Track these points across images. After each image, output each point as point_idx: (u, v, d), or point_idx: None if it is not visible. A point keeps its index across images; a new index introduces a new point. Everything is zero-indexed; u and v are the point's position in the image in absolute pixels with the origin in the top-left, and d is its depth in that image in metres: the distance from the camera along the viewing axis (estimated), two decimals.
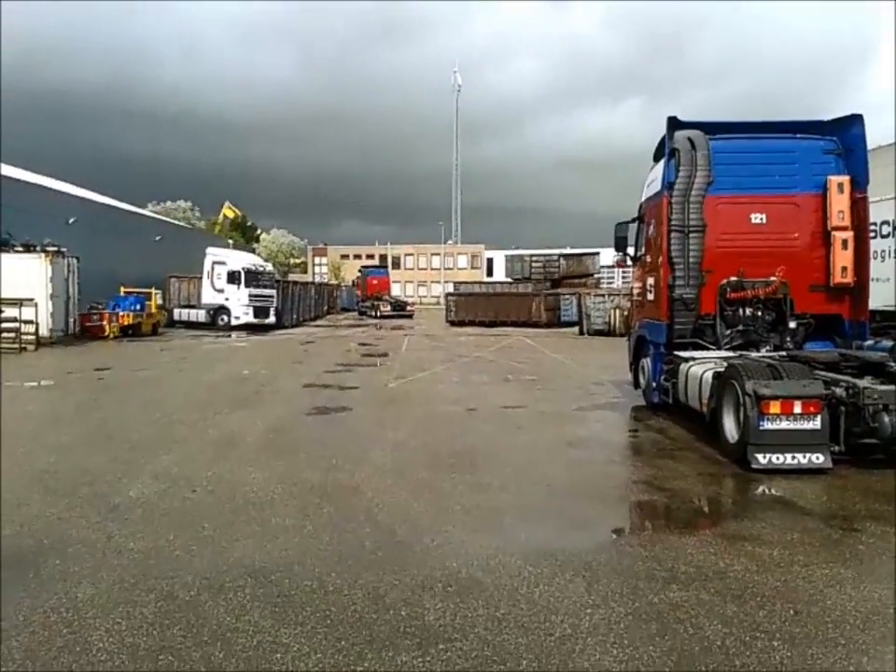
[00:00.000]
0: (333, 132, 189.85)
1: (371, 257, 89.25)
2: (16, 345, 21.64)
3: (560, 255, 52.30)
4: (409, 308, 52.26)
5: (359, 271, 60.81)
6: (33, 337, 22.41)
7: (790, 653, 3.65)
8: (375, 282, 55.91)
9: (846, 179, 9.73)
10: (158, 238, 44.76)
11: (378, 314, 49.12)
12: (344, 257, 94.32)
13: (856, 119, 9.89)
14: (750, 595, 4.37)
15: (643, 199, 11.63)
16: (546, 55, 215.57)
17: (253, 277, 35.63)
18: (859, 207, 9.80)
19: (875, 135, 10.35)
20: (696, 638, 3.82)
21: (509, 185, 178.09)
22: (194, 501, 6.41)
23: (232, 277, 35.01)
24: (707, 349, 9.97)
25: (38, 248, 24.80)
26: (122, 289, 32.06)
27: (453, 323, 40.31)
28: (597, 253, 50.55)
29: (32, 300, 22.94)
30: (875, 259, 12.00)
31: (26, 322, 22.36)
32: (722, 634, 3.85)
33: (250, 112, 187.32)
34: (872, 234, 11.61)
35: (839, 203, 9.70)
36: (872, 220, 10.80)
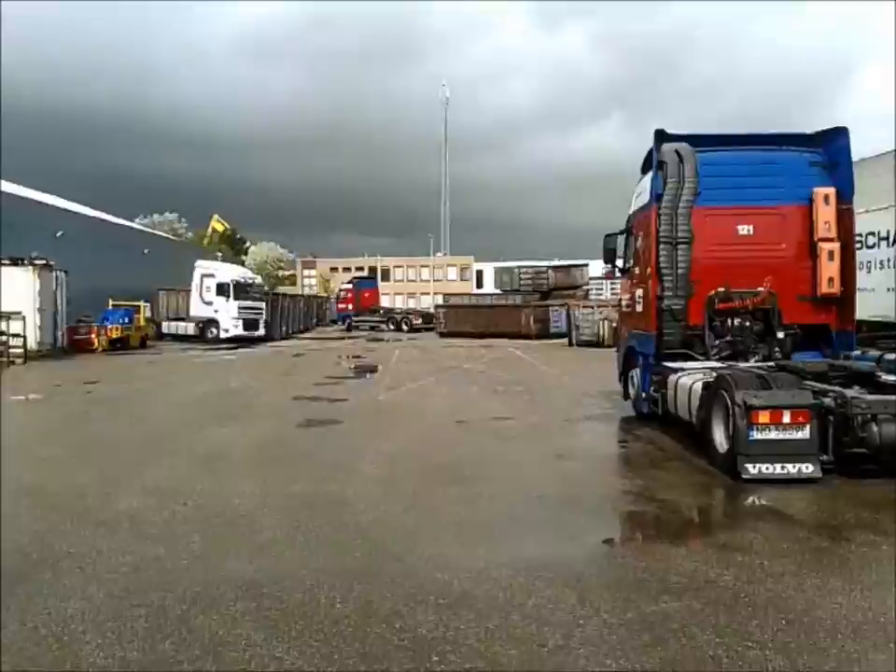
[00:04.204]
0: (328, 145, 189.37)
1: (360, 269, 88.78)
2: (3, 359, 21.51)
3: (549, 266, 52.21)
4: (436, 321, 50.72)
5: (349, 282, 60.15)
6: (20, 350, 22.31)
7: (782, 662, 3.66)
8: (367, 294, 55.68)
9: (831, 191, 9.82)
10: (146, 251, 44.69)
11: (409, 327, 47.96)
12: (334, 269, 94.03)
13: (841, 132, 10.00)
14: (742, 604, 4.38)
15: (631, 211, 11.69)
16: (537, 74, 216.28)
17: (242, 290, 35.57)
18: (844, 218, 9.89)
19: (858, 148, 10.47)
20: (689, 648, 3.82)
21: (499, 198, 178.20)
22: (184, 514, 6.37)
23: (221, 290, 34.92)
24: (696, 360, 10.01)
25: (26, 262, 24.70)
26: (111, 302, 31.99)
27: (443, 335, 40.29)
28: (586, 265, 50.48)
29: (19, 313, 22.85)
30: (860, 269, 12.11)
31: (14, 335, 22.27)
32: (715, 643, 3.86)
33: (244, 124, 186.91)
34: (857, 245, 11.73)
35: (825, 215, 9.78)
36: (857, 231, 10.91)
